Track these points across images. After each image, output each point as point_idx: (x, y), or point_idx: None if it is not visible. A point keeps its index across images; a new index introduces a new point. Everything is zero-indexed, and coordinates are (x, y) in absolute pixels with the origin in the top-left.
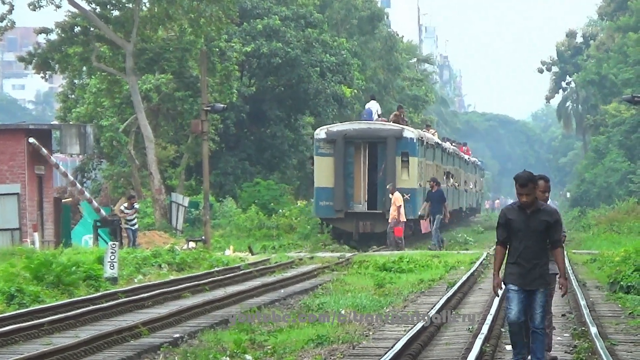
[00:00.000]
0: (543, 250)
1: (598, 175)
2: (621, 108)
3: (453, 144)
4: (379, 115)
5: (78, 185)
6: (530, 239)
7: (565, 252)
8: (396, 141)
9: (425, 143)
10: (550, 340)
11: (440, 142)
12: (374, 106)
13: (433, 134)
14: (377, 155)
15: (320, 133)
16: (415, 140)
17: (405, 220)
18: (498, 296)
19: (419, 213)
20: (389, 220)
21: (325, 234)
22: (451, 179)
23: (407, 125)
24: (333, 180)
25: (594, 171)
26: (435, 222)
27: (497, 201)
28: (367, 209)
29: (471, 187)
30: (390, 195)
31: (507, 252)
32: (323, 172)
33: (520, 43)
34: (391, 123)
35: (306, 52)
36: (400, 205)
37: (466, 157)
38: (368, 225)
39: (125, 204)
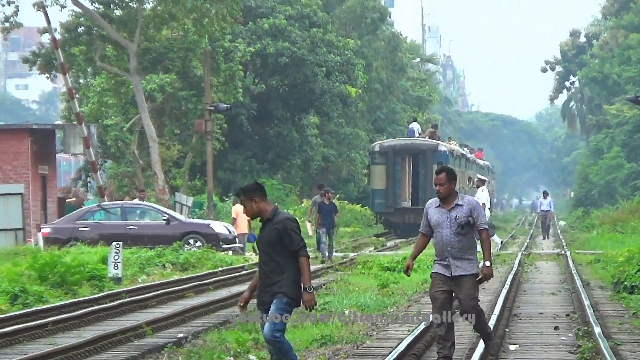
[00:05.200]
0: (280, 266)
1: (598, 174)
2: (624, 108)
3: (467, 148)
4: (419, 134)
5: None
6: (264, 254)
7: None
8: (433, 153)
9: (454, 154)
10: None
11: (464, 152)
12: (415, 126)
13: (454, 145)
14: (418, 164)
15: (375, 147)
16: (447, 153)
17: (245, 232)
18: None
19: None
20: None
21: (378, 225)
22: (471, 182)
23: (440, 140)
24: (385, 183)
25: (595, 170)
26: (329, 236)
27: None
28: (411, 205)
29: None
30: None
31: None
32: (377, 177)
33: (524, 42)
34: (428, 139)
35: (311, 51)
36: (235, 218)
37: (481, 162)
38: (412, 218)
39: (136, 200)
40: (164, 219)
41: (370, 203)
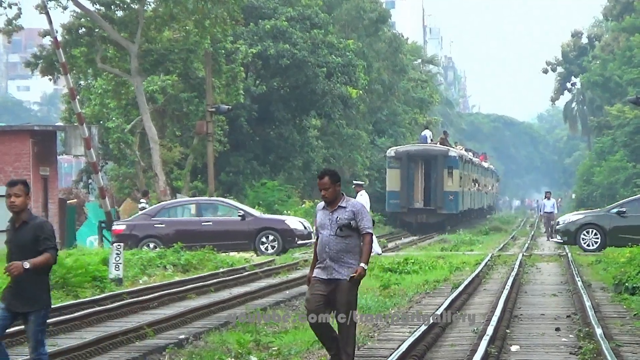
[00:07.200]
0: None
1: (600, 175)
2: (625, 109)
3: (470, 152)
4: (431, 140)
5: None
6: (18, 255)
7: None
8: (444, 158)
9: (463, 159)
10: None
11: (472, 157)
12: (427, 133)
13: (460, 149)
14: (430, 168)
15: (391, 152)
16: (457, 158)
17: None
18: None
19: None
20: None
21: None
22: (477, 185)
23: (449, 146)
24: (399, 185)
25: (598, 171)
26: None
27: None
28: (423, 206)
29: (490, 189)
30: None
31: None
32: (392, 179)
33: (525, 43)
34: (439, 145)
35: (312, 53)
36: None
37: (486, 165)
38: (424, 217)
39: (143, 200)
40: (240, 215)
41: (386, 204)
